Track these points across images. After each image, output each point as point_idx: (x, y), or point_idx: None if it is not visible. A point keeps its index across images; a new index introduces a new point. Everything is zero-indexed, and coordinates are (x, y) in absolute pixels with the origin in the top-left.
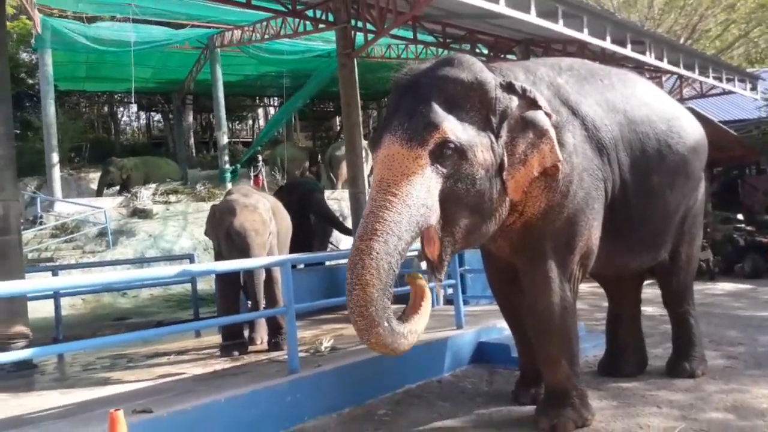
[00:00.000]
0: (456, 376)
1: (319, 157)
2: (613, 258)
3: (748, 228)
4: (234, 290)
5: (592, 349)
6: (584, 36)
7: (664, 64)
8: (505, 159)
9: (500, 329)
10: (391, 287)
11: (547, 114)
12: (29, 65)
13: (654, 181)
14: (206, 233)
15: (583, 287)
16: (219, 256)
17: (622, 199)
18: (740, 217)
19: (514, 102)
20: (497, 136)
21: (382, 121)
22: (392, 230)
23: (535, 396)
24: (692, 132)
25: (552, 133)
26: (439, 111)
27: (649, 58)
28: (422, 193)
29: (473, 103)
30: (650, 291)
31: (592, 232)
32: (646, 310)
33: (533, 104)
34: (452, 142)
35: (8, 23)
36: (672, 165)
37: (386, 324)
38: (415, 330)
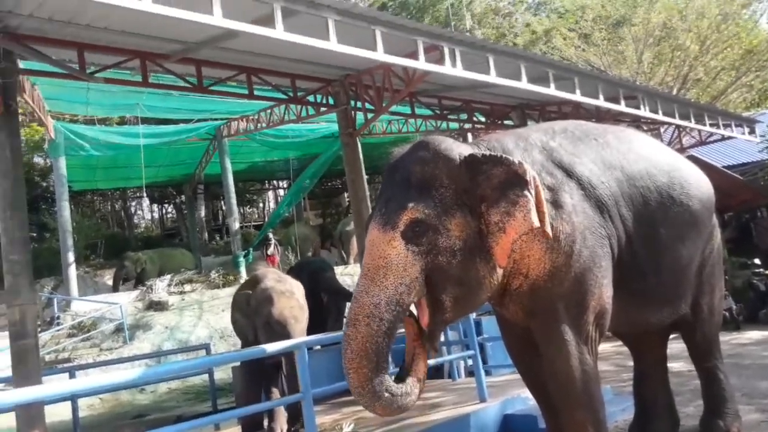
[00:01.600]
0: None
1: (332, 233)
2: (630, 314)
3: (767, 272)
4: (260, 379)
5: (620, 413)
6: (577, 96)
7: (660, 116)
8: (486, 228)
9: (525, 399)
10: (385, 361)
11: (524, 181)
12: (43, 168)
13: (661, 235)
14: (235, 321)
15: (607, 347)
16: (249, 345)
17: (630, 254)
18: (757, 261)
19: (482, 174)
20: (471, 208)
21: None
22: (373, 314)
23: None
24: (695, 181)
25: (526, 199)
26: (408, 194)
27: (644, 112)
28: (399, 272)
29: (441, 181)
30: (675, 346)
31: (603, 290)
32: (673, 366)
33: (507, 172)
34: (420, 220)
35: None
36: (678, 216)
37: (386, 395)
38: (416, 377)
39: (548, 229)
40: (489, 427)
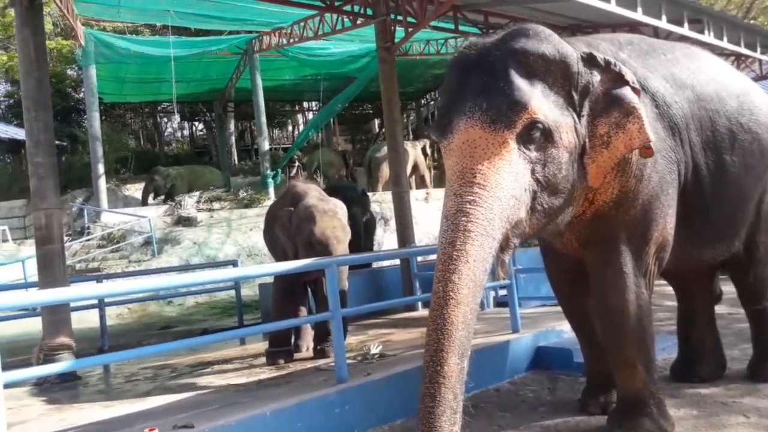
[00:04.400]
0: (515, 384)
1: (352, 160)
2: (687, 249)
3: None
4: (294, 295)
5: (661, 351)
6: (638, 16)
7: (724, 44)
8: (587, 141)
9: (559, 332)
10: (480, 294)
11: (634, 89)
12: (75, 80)
13: (727, 163)
14: (273, 237)
15: None
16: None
17: (694, 183)
18: None
19: (596, 77)
20: (579, 115)
21: (443, 105)
22: (486, 231)
23: (605, 405)
24: (765, 108)
25: (641, 110)
26: (523, 88)
27: (707, 38)
28: (511, 182)
29: (555, 78)
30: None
31: (668, 220)
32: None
33: (618, 79)
34: (541, 122)
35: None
36: (745, 144)
37: (463, 364)
38: None
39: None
40: (522, 358)
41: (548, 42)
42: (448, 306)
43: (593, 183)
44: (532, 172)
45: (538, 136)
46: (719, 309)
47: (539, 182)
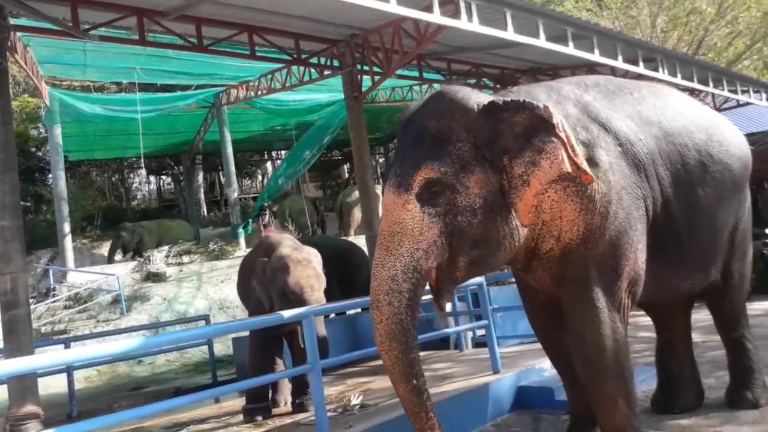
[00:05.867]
0: (498, 426)
1: (323, 206)
2: (662, 281)
3: None
4: (271, 348)
5: (640, 384)
6: (595, 57)
7: (678, 80)
8: (507, 183)
9: (540, 371)
10: (413, 338)
11: (549, 120)
12: (38, 139)
13: (699, 195)
14: (247, 290)
15: None
16: (264, 314)
17: (665, 216)
18: None
19: (506, 121)
20: (493, 162)
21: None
22: (392, 289)
23: None
24: (734, 139)
25: (552, 145)
26: (422, 152)
27: (662, 75)
28: (414, 237)
29: (458, 135)
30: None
31: (638, 255)
32: None
33: (531, 119)
34: (435, 180)
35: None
36: (716, 176)
37: (414, 382)
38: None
39: (589, 171)
40: (504, 398)
41: (450, 102)
42: (381, 351)
43: (523, 221)
44: (444, 224)
45: (439, 191)
46: (694, 337)
47: (454, 232)
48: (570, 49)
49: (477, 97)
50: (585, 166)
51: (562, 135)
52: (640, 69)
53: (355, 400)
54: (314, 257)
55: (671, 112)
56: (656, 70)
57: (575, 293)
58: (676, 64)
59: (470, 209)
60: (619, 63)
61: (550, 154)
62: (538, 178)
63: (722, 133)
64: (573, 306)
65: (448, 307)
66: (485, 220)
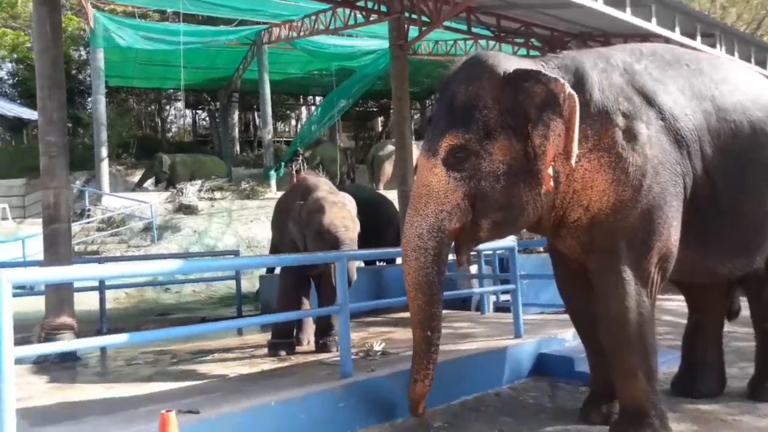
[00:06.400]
0: (515, 389)
1: (354, 157)
2: (700, 262)
3: None
4: (301, 288)
5: (661, 365)
6: (652, 26)
7: (735, 59)
8: (531, 150)
9: (561, 340)
10: (438, 291)
11: (557, 97)
12: (78, 61)
13: (749, 176)
14: (282, 230)
15: None
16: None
17: (708, 196)
18: None
19: (526, 91)
20: (517, 129)
21: None
22: (418, 246)
23: (608, 415)
24: None
25: (556, 122)
26: (451, 117)
27: (719, 52)
28: (440, 199)
29: (485, 101)
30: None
31: (672, 231)
32: None
33: (546, 90)
34: (459, 146)
35: None
36: None
37: (428, 333)
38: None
39: (572, 160)
40: (523, 363)
41: (483, 68)
42: (408, 300)
43: (547, 187)
44: (468, 188)
45: (464, 157)
46: None
47: (478, 196)
48: (627, 15)
49: (507, 64)
50: (574, 156)
51: (566, 115)
52: (697, 43)
53: (378, 347)
54: (349, 201)
55: (728, 87)
56: (713, 46)
57: (603, 263)
58: (734, 41)
59: (494, 175)
60: (676, 35)
61: (553, 132)
62: (549, 151)
63: None
64: (600, 276)
65: (474, 269)
66: (508, 185)
